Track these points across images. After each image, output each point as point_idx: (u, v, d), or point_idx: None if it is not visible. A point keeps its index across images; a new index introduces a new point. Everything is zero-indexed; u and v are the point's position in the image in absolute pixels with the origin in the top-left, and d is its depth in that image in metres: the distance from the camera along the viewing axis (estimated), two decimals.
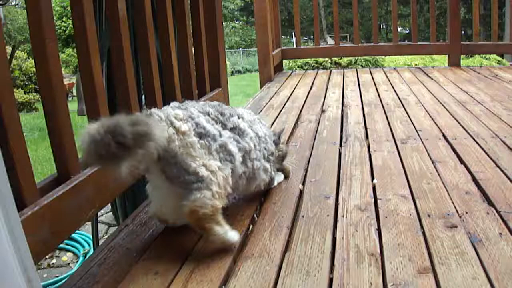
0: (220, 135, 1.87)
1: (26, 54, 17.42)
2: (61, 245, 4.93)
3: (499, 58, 16.04)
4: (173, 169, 1.76)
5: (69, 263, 4.80)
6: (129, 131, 1.51)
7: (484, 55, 14.98)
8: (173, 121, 1.78)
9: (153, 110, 1.83)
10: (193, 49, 3.40)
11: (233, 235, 1.82)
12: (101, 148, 1.49)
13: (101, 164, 1.66)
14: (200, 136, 1.80)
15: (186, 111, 1.85)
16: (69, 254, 4.97)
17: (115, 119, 1.55)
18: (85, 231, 5.10)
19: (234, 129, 1.96)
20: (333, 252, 1.82)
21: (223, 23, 4.11)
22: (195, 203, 1.74)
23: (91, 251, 4.73)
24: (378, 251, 1.81)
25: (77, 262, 4.76)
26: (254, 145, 2.03)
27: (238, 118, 2.03)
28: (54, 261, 4.84)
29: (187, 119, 1.81)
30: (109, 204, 4.52)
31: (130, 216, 2.28)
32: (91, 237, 4.49)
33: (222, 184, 1.81)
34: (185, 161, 1.75)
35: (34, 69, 14.66)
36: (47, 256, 4.77)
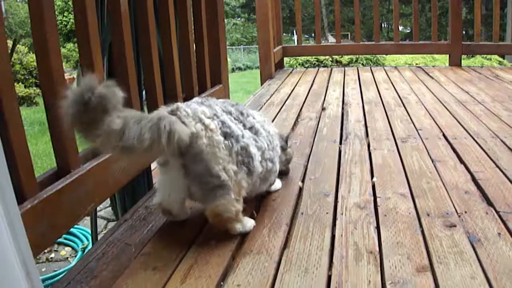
0: (243, 136, 1.89)
1: (27, 48, 17.37)
2: (60, 240, 4.92)
3: (500, 59, 16.03)
4: (198, 166, 1.78)
5: (67, 258, 4.80)
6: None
7: (485, 56, 14.97)
8: (201, 118, 1.79)
9: (180, 104, 1.83)
10: (194, 45, 3.40)
11: (250, 225, 1.97)
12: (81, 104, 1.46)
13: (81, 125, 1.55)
14: (225, 135, 1.82)
15: (211, 108, 1.86)
16: (68, 249, 4.97)
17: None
18: (84, 225, 5.10)
19: (252, 129, 1.98)
20: (332, 250, 1.82)
21: (225, 20, 4.11)
22: (219, 208, 1.82)
23: (90, 246, 4.73)
24: (377, 249, 1.81)
25: (75, 256, 4.76)
26: (268, 145, 2.04)
27: (253, 118, 2.04)
28: (52, 255, 4.84)
29: (213, 117, 1.82)
30: (108, 199, 4.52)
31: (129, 211, 2.28)
32: (90, 232, 4.48)
33: (237, 189, 1.86)
34: (210, 162, 1.77)
35: (34, 63, 14.65)
36: (45, 250, 4.77)
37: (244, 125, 1.94)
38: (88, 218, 4.42)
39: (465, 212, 2.09)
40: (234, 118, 1.92)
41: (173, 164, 1.82)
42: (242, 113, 1.98)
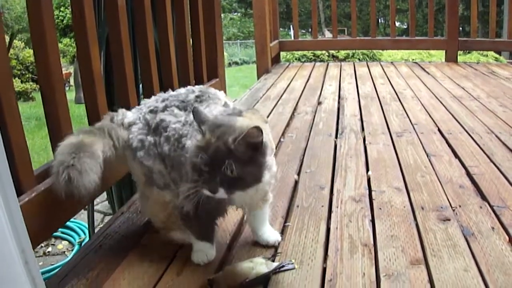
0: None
1: (23, 43, 17.34)
2: (57, 234, 4.93)
3: (497, 55, 16.01)
4: None
5: (64, 252, 4.81)
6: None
7: (481, 52, 14.95)
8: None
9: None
10: (191, 39, 3.41)
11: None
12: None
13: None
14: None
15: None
16: (65, 243, 4.97)
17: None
18: (81, 219, 5.10)
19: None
20: (327, 242, 1.84)
21: (221, 15, 4.11)
22: None
23: (87, 240, 4.73)
24: (372, 241, 1.82)
25: (72, 250, 4.76)
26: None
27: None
28: (49, 249, 4.85)
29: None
30: (105, 193, 4.52)
31: (126, 204, 2.30)
32: (87, 225, 4.49)
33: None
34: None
35: (31, 58, 14.63)
36: (42, 244, 4.78)
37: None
38: (85, 213, 4.42)
39: (459, 206, 2.11)
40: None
41: None
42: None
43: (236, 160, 1.41)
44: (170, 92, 1.82)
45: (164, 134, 1.69)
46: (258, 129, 1.40)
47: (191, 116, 1.62)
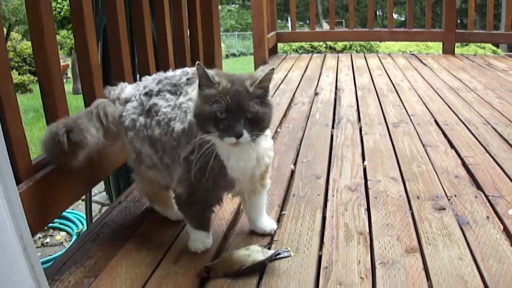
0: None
1: (20, 35, 17.26)
2: (55, 224, 4.93)
3: (494, 48, 16.02)
4: None
5: (62, 242, 4.81)
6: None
7: (479, 45, 14.95)
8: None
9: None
10: (188, 31, 3.41)
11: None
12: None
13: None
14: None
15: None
16: (63, 233, 4.97)
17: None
18: (79, 210, 5.10)
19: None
20: (323, 231, 1.85)
21: (219, 6, 4.10)
22: None
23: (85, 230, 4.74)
24: (367, 230, 1.84)
25: (70, 241, 4.76)
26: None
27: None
28: (48, 240, 4.85)
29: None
30: (103, 184, 4.53)
31: (124, 193, 2.31)
32: (84, 216, 4.49)
33: None
34: None
35: (28, 50, 14.57)
36: (41, 235, 4.79)
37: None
38: (83, 203, 4.43)
39: (455, 195, 2.12)
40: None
41: None
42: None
43: (255, 102, 1.47)
44: (167, 73, 1.82)
45: (156, 118, 1.71)
46: (271, 73, 1.50)
47: (180, 99, 1.67)
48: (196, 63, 1.49)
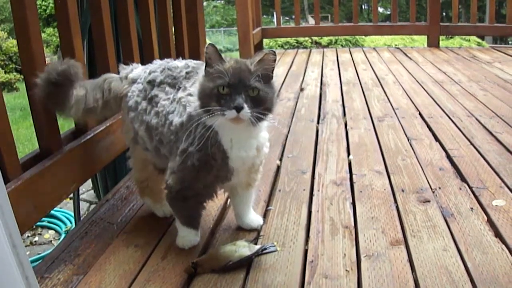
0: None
1: (6, 33, 17.14)
2: (43, 223, 4.91)
3: (479, 40, 16.12)
4: None
5: (51, 241, 4.80)
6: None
7: (464, 37, 15.04)
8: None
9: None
10: (173, 27, 3.41)
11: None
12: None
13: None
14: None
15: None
16: (51, 232, 4.96)
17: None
18: (67, 208, 5.09)
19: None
20: (309, 225, 1.86)
21: (204, 2, 4.10)
22: None
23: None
24: (352, 223, 1.86)
25: (59, 239, 4.75)
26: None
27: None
28: (36, 238, 4.83)
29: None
30: (91, 182, 4.52)
31: (111, 191, 2.31)
32: (73, 214, 4.48)
33: None
34: None
35: (14, 48, 14.45)
36: (29, 234, 4.78)
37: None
38: (71, 202, 4.42)
39: (439, 188, 2.14)
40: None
41: None
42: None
43: (256, 80, 1.50)
44: (173, 63, 1.84)
45: (155, 109, 1.73)
46: (274, 54, 1.54)
47: (179, 93, 1.70)
48: (208, 43, 1.54)
